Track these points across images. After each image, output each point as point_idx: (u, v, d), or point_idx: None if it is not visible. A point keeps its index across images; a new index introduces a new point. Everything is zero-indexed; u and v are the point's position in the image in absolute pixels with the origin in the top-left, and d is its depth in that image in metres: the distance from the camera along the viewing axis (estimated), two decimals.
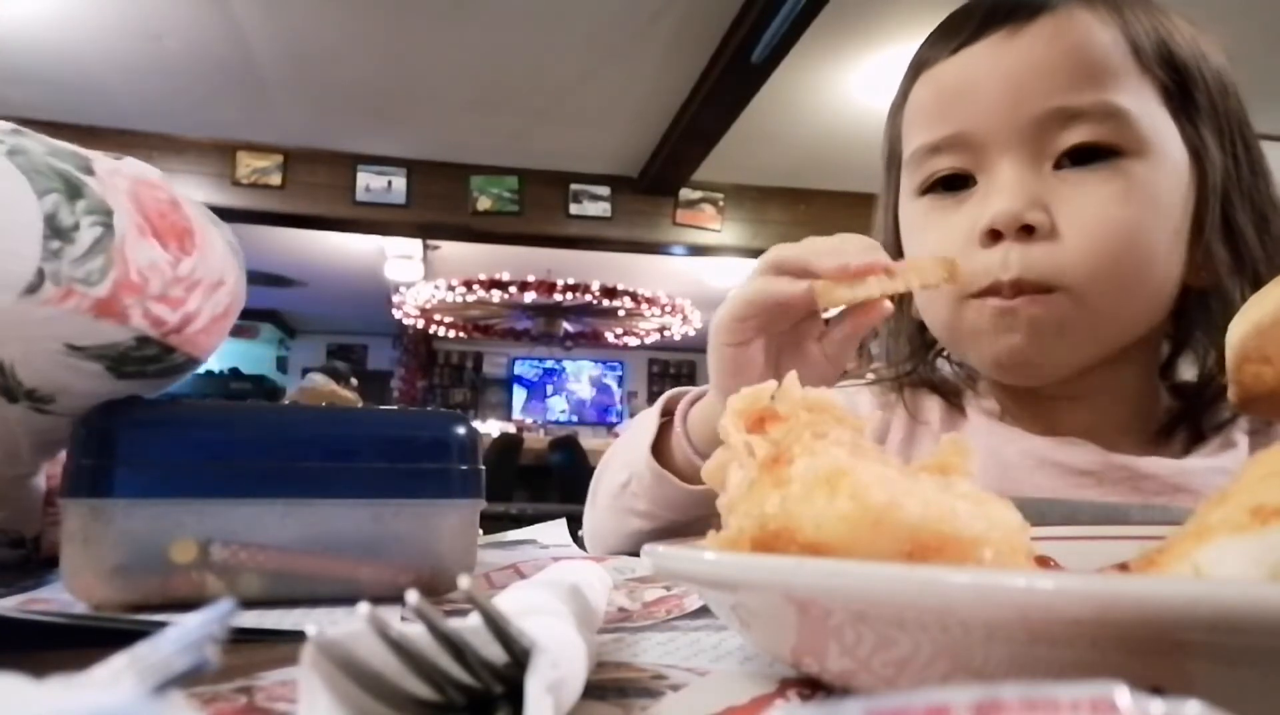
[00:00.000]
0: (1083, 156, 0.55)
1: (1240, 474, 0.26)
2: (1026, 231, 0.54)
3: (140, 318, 0.43)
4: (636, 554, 0.61)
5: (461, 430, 0.46)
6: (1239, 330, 0.34)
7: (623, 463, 0.65)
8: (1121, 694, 0.12)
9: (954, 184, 0.59)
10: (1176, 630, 0.18)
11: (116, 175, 0.43)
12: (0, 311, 0.37)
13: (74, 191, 0.38)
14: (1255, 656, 0.18)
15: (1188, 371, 0.64)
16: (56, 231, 0.37)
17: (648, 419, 0.64)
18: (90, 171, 0.41)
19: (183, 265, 0.45)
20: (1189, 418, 0.61)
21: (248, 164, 4.39)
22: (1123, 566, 0.31)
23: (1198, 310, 0.60)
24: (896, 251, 0.65)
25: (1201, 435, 0.61)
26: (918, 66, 0.62)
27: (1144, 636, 0.18)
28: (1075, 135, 0.54)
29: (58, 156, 0.40)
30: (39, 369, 0.44)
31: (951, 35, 0.60)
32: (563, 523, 0.71)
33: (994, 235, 0.55)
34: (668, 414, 0.63)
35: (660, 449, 0.62)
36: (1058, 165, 0.55)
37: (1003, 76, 0.56)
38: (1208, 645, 0.18)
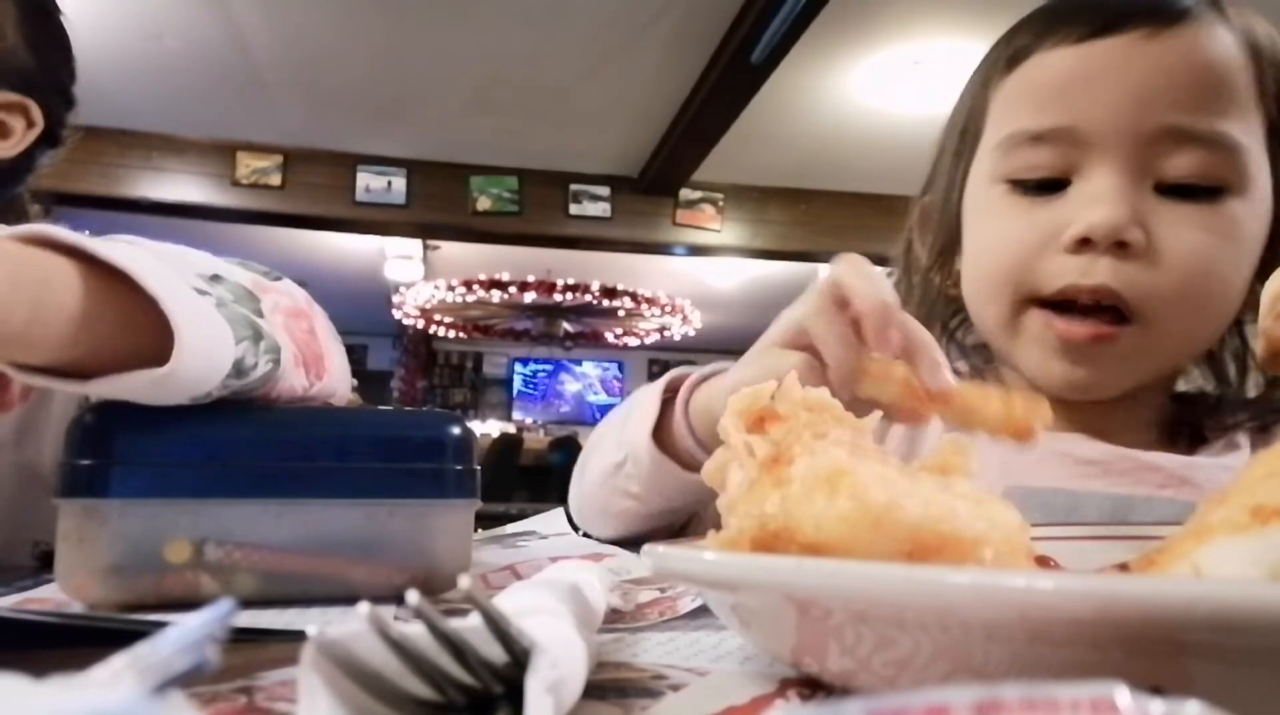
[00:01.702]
0: (1184, 189, 0.53)
1: (1240, 474, 0.26)
2: (1119, 247, 0.52)
3: None
4: (625, 543, 0.61)
5: (456, 430, 0.46)
6: (1274, 287, 0.35)
7: (618, 441, 0.61)
8: (1121, 694, 0.12)
9: (1043, 184, 0.56)
10: (1176, 630, 0.18)
11: (276, 312, 0.52)
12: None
13: (257, 335, 0.47)
14: (1255, 656, 0.18)
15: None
16: (239, 371, 0.45)
17: (647, 399, 0.59)
18: (261, 313, 0.49)
19: (313, 388, 0.54)
20: (1191, 422, 0.61)
21: (248, 164, 4.39)
22: (1123, 566, 0.31)
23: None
24: (954, 232, 0.63)
25: (1204, 438, 0.61)
26: (1025, 49, 0.58)
27: (1144, 636, 0.18)
28: (1185, 161, 0.53)
29: (241, 302, 0.48)
30: None
31: (1075, 22, 0.56)
32: (561, 511, 0.69)
33: (1083, 244, 0.52)
34: (671, 392, 0.58)
35: (660, 431, 0.57)
36: (1157, 187, 0.53)
37: (1129, 80, 0.53)
38: (1208, 645, 0.18)
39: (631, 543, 0.62)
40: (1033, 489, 0.53)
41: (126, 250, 0.42)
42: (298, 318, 0.55)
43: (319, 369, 0.54)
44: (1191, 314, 0.54)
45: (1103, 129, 0.53)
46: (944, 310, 0.66)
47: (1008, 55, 0.59)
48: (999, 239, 0.57)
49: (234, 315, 0.47)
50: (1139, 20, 0.54)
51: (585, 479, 0.66)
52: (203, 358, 0.43)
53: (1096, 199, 0.53)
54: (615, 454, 0.60)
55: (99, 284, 0.41)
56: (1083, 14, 0.56)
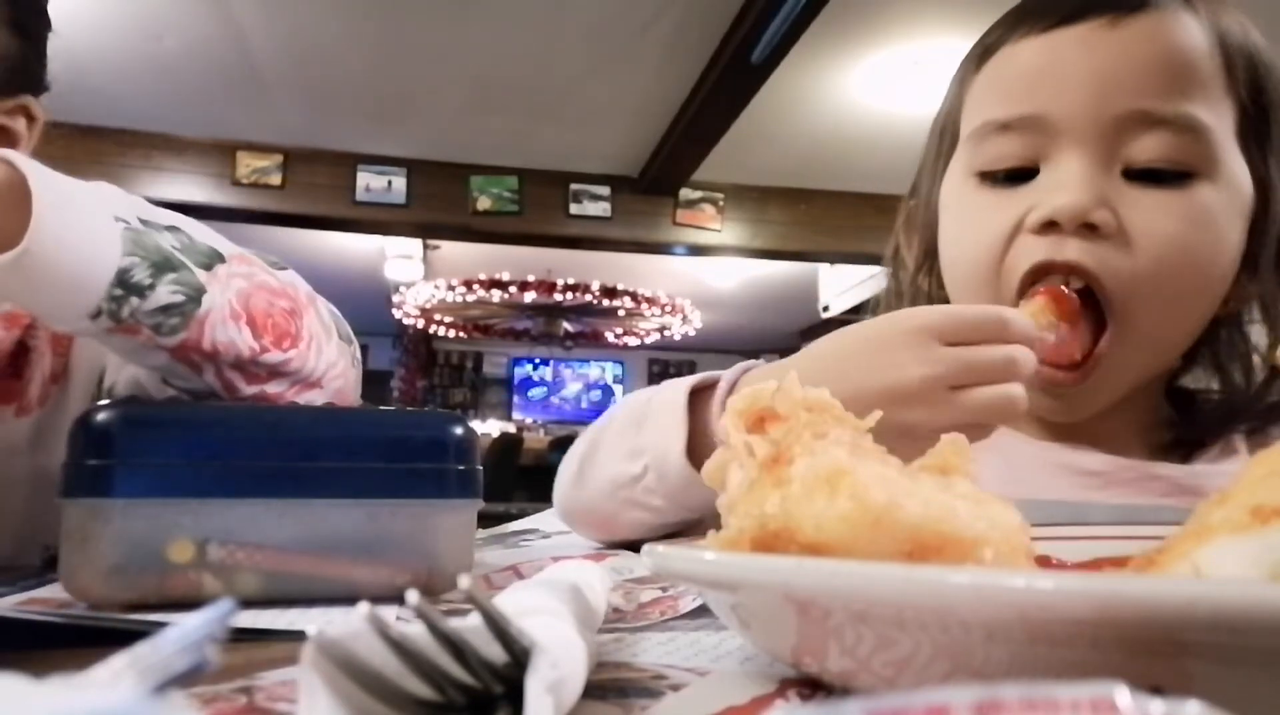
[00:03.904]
0: (1153, 174, 0.53)
1: (1240, 474, 0.26)
2: (1087, 229, 0.52)
3: (213, 376, 0.56)
4: (631, 547, 0.60)
5: (458, 430, 0.46)
6: None
7: (631, 449, 0.56)
8: (1121, 694, 0.12)
9: (1013, 174, 0.56)
10: (1176, 630, 0.18)
11: (236, 277, 0.56)
12: (83, 329, 0.51)
13: (166, 264, 0.51)
14: (1255, 656, 0.18)
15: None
16: (129, 286, 0.49)
17: (670, 405, 0.54)
18: (209, 267, 0.54)
19: (269, 356, 0.57)
20: (1187, 426, 0.61)
21: (248, 164, 4.39)
22: (1122, 564, 0.31)
23: (1210, 335, 0.60)
24: (935, 232, 0.63)
25: (1202, 442, 0.60)
26: (994, 44, 0.59)
27: (1144, 636, 0.18)
28: (1152, 144, 0.53)
29: (187, 252, 0.53)
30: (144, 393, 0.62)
31: (1041, 14, 0.56)
32: None
33: (1050, 227, 0.53)
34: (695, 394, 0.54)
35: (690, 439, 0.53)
36: (1126, 173, 0.53)
37: (1093, 66, 0.53)
38: (1208, 645, 0.18)
39: (631, 546, 0.61)
40: (1036, 502, 0.53)
41: (43, 169, 0.46)
42: (276, 295, 0.59)
43: (280, 341, 0.58)
44: (1168, 301, 0.53)
45: (1068, 116, 0.54)
46: None
47: (979, 52, 0.60)
48: (970, 230, 0.57)
49: (144, 240, 0.50)
50: (1102, 8, 0.54)
51: (586, 488, 0.61)
52: (67, 248, 0.46)
53: (1062, 184, 0.53)
54: (630, 464, 0.56)
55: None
56: (1049, 6, 0.56)
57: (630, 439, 0.57)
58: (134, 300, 0.49)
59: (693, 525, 0.60)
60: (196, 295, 0.52)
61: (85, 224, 0.47)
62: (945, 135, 0.63)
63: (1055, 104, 0.54)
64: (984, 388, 0.44)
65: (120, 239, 0.49)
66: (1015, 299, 0.55)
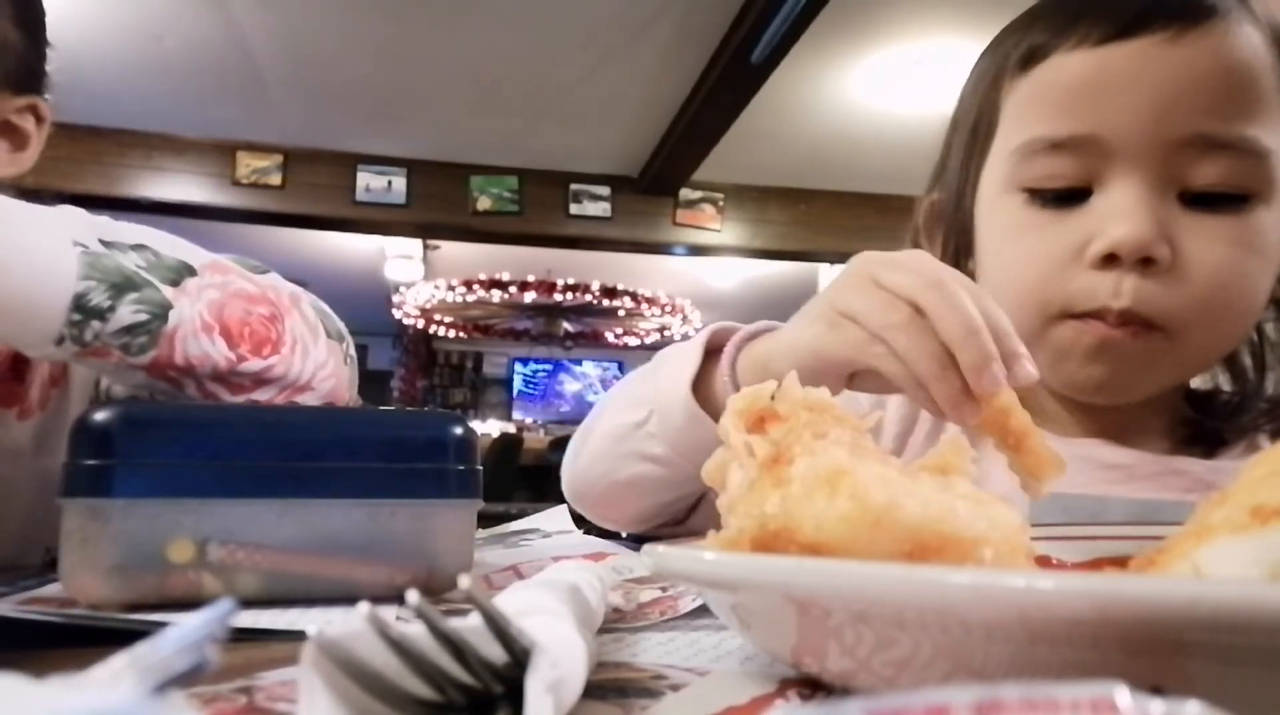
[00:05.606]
0: (1210, 197, 0.52)
1: (1241, 474, 0.26)
2: (1145, 262, 0.51)
3: (194, 390, 0.56)
4: (633, 538, 0.59)
5: (458, 430, 0.46)
6: None
7: (637, 399, 0.56)
8: (1121, 694, 0.12)
9: (1063, 195, 0.54)
10: (1176, 630, 0.18)
11: (208, 288, 0.55)
12: (52, 355, 0.51)
13: (127, 284, 0.51)
14: (1255, 656, 0.18)
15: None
16: (87, 310, 0.49)
17: (684, 353, 0.54)
18: (176, 283, 0.54)
19: (248, 364, 0.56)
20: (1209, 424, 0.61)
21: (248, 164, 4.39)
22: (1122, 564, 0.31)
23: None
24: (967, 234, 0.61)
25: (1223, 440, 0.60)
26: (1041, 48, 0.56)
27: (1144, 636, 0.18)
28: (1212, 170, 0.51)
29: (152, 270, 0.52)
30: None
31: (1095, 21, 0.53)
32: (564, 508, 0.68)
33: (1109, 259, 0.51)
34: (711, 349, 0.54)
35: (697, 389, 0.53)
36: (1181, 196, 0.52)
37: (1153, 85, 0.51)
38: (1208, 645, 0.18)
39: (633, 538, 0.61)
40: (1057, 495, 0.53)
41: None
42: (253, 302, 0.58)
43: (260, 348, 0.57)
44: (1214, 327, 0.53)
45: (1125, 137, 0.52)
46: None
47: (1022, 53, 0.57)
48: (1023, 255, 0.55)
49: (102, 263, 0.50)
50: (1163, 21, 0.51)
51: (588, 447, 0.60)
52: (17, 277, 0.46)
53: (1121, 212, 0.51)
54: (633, 412, 0.56)
55: None
56: (1103, 12, 0.53)
57: (634, 391, 0.57)
58: (95, 324, 0.49)
59: (686, 496, 0.59)
60: (162, 312, 0.52)
61: (37, 251, 0.48)
62: (978, 133, 0.61)
63: (1111, 124, 0.52)
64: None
65: (76, 263, 0.49)
66: (1056, 321, 0.54)
